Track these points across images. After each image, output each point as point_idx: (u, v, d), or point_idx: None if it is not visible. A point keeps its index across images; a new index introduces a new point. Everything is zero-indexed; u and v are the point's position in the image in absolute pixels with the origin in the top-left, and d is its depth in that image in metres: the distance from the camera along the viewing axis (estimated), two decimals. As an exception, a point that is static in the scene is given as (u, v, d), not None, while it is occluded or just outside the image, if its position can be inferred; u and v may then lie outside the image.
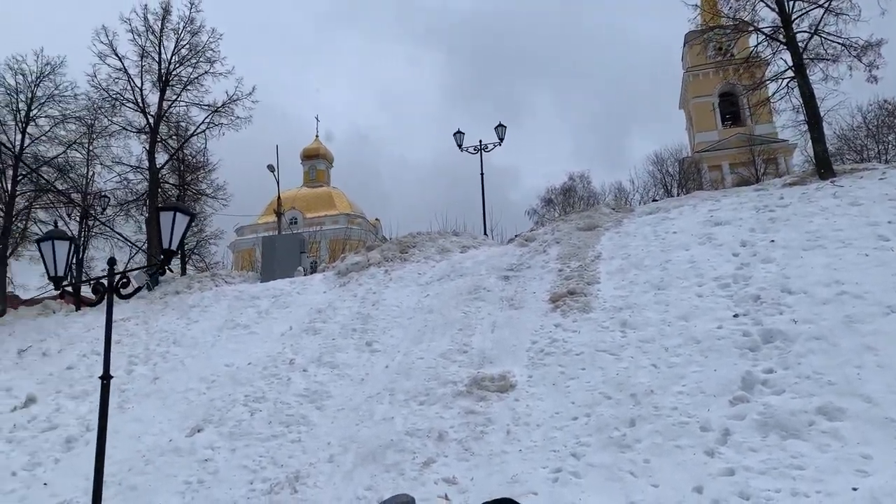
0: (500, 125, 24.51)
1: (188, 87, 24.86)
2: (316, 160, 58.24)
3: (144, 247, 23.93)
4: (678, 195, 26.63)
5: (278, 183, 29.74)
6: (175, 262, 25.62)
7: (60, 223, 24.86)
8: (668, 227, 14.22)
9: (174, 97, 24.77)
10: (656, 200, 23.69)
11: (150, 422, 11.33)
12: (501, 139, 24.53)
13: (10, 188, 23.14)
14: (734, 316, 9.76)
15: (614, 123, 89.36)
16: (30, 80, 24.22)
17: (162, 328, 15.84)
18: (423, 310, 13.75)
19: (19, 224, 23.54)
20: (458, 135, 24.67)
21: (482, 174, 24.15)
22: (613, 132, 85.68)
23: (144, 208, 24.77)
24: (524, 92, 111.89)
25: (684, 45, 46.35)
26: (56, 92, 24.51)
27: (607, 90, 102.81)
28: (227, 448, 9.98)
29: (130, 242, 24.44)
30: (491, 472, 8.01)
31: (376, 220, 51.31)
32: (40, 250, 7.63)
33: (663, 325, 10.23)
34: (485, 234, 21.59)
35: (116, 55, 24.23)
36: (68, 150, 24.78)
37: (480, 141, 24.84)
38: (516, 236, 17.60)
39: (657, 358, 9.41)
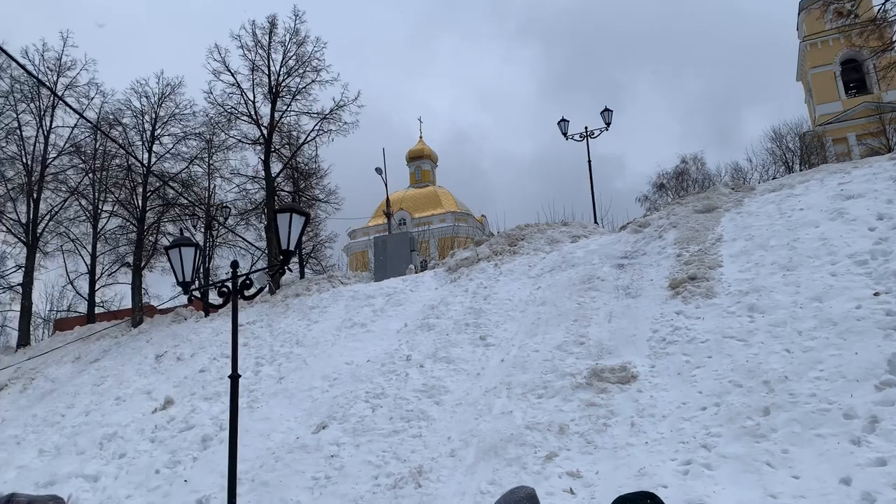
0: (606, 109, 23.87)
1: (297, 97, 25.77)
2: (421, 161, 59.01)
3: (265, 253, 24.99)
4: (801, 171, 25.06)
5: (386, 185, 30.31)
6: (294, 265, 26.59)
7: (186, 234, 26.42)
8: (794, 203, 13.36)
9: (284, 107, 25.72)
10: (776, 178, 22.37)
11: (278, 420, 11.76)
12: (608, 124, 23.88)
13: (141, 204, 24.82)
14: (874, 294, 9.02)
15: (725, 103, 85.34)
16: (153, 101, 25.94)
17: (285, 330, 16.46)
18: (536, 302, 13.57)
19: (150, 238, 25.20)
20: (563, 123, 24.26)
21: (589, 161, 23.64)
22: (724, 112, 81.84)
23: (263, 216, 25.87)
24: (625, 79, 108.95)
25: (799, 14, 43.62)
26: (177, 111, 26.15)
27: (715, 70, 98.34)
28: (351, 444, 10.21)
29: (254, 246, 25.57)
30: (617, 466, 7.77)
31: (482, 216, 51.40)
32: (168, 257, 8.06)
33: (795, 307, 9.59)
34: (595, 222, 21.10)
35: (229, 71, 25.44)
36: (190, 165, 26.33)
37: (586, 127, 24.31)
38: (629, 223, 17.07)
39: (790, 342, 8.84)
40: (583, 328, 11.55)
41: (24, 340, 24.56)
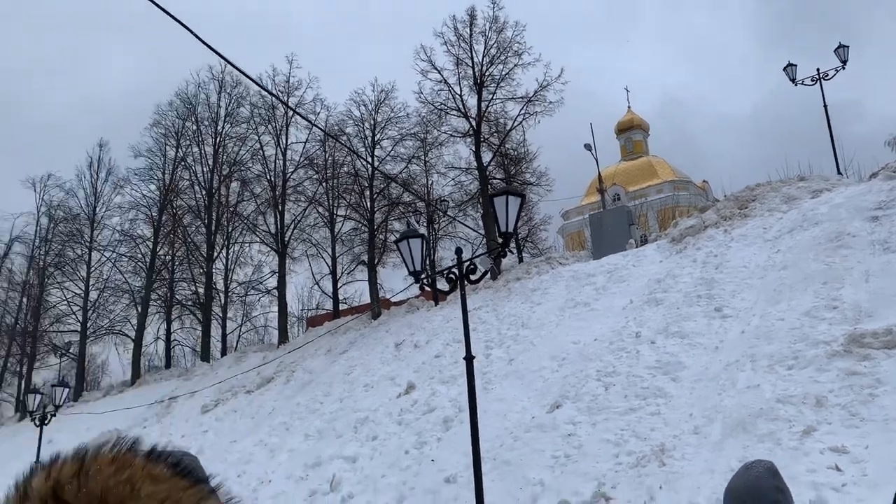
0: (841, 46, 21.19)
1: (501, 85, 26.07)
2: (631, 132, 56.94)
3: (484, 241, 25.64)
4: None
5: (597, 161, 29.68)
6: (513, 249, 27.00)
7: (412, 228, 27.91)
8: None
9: (490, 96, 26.15)
10: None
11: (513, 400, 12.00)
12: (844, 62, 21.19)
13: (369, 206, 26.66)
14: None
15: None
16: (370, 108, 27.69)
17: (509, 313, 16.76)
18: (776, 266, 12.51)
19: (380, 236, 26.98)
20: (790, 68, 21.97)
21: (825, 105, 21.19)
22: None
23: (478, 205, 26.56)
24: (855, 13, 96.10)
25: None
26: (392, 114, 27.68)
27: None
28: (587, 423, 10.13)
29: (476, 231, 26.31)
30: (890, 439, 6.92)
31: (704, 182, 48.46)
32: (399, 250, 8.55)
33: None
34: (838, 173, 18.92)
35: (436, 69, 26.36)
36: (409, 165, 27.78)
37: (818, 70, 21.82)
38: (881, 169, 15.07)
39: None
40: (835, 291, 10.44)
41: (283, 338, 27.54)
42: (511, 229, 7.57)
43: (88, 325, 32.41)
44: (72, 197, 34.35)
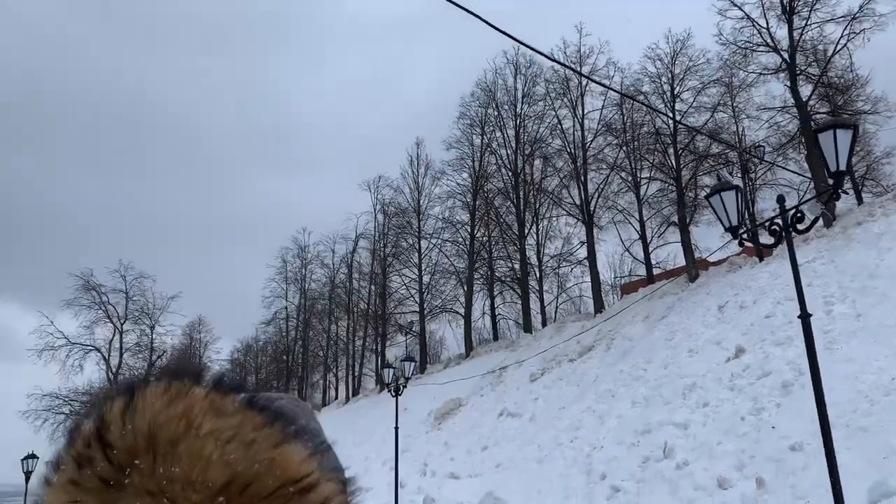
0: None
1: (815, 7, 23.06)
2: None
3: (811, 186, 22.96)
4: None
5: (953, 71, 24.74)
6: (848, 190, 23.82)
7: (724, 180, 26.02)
8: None
9: (803, 23, 23.32)
10: None
11: (865, 361, 10.64)
12: None
13: (674, 163, 25.54)
14: None
15: None
16: (666, 62, 26.44)
17: (851, 263, 14.86)
18: None
19: (689, 194, 25.68)
20: None
21: None
22: None
23: (801, 146, 23.88)
24: None
25: None
26: (691, 64, 26.11)
27: None
28: (966, 383, 8.58)
29: (801, 175, 23.69)
30: None
31: None
32: (711, 205, 8.03)
33: None
34: None
35: (736, 5, 24.26)
36: (714, 114, 25.96)
37: None
38: None
39: None
40: None
41: (598, 306, 27.74)
42: (843, 167, 6.61)
43: (425, 305, 36.20)
44: (399, 193, 38.88)
